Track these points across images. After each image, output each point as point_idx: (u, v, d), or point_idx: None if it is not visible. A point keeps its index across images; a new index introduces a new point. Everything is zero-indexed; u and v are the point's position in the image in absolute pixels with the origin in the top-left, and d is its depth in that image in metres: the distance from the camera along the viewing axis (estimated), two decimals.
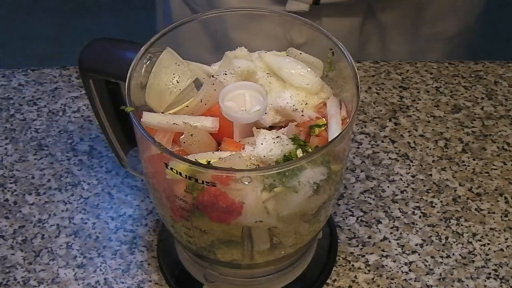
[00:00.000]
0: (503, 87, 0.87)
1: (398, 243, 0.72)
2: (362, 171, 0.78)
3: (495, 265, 0.71)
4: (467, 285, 0.69)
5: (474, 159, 0.79)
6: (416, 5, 0.94)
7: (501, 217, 0.74)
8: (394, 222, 0.74)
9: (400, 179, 0.78)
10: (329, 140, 0.57)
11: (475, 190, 0.77)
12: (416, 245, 0.72)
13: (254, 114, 0.56)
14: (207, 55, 0.64)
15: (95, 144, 0.80)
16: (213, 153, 0.55)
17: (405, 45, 0.97)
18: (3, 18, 2.21)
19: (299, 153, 0.55)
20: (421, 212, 0.75)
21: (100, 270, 0.70)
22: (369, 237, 0.73)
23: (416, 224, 0.74)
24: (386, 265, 0.70)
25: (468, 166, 0.79)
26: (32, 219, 0.74)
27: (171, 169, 0.53)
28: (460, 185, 0.77)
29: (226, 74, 0.59)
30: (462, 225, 0.74)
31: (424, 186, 0.77)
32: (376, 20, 0.93)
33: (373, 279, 0.69)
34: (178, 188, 0.55)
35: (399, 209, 0.75)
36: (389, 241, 0.72)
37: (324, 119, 0.59)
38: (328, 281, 0.69)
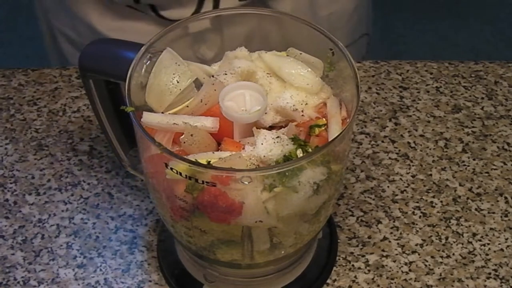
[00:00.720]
0: (503, 87, 0.87)
1: (398, 243, 0.72)
2: (362, 171, 0.78)
3: (495, 265, 0.71)
4: (467, 285, 0.69)
5: (474, 159, 0.79)
6: None
7: (501, 217, 0.74)
8: (394, 222, 0.74)
9: (400, 179, 0.78)
10: (329, 140, 0.57)
11: (475, 190, 0.77)
12: (416, 245, 0.72)
13: (254, 114, 0.56)
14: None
15: (95, 144, 0.80)
16: (213, 153, 0.55)
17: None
18: (3, 18, 2.21)
19: (299, 153, 0.55)
20: (421, 212, 0.75)
21: (100, 270, 0.70)
22: (369, 237, 0.73)
23: (416, 224, 0.74)
24: (386, 265, 0.70)
25: (468, 166, 0.79)
26: (32, 219, 0.74)
27: (171, 169, 0.53)
28: (460, 185, 0.77)
29: (226, 74, 0.59)
30: (462, 225, 0.74)
31: (424, 186, 0.77)
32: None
33: (373, 279, 0.69)
34: (178, 188, 0.55)
35: (399, 209, 0.75)
36: (389, 241, 0.72)
37: (324, 119, 0.59)
38: (328, 281, 0.69)
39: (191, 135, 0.55)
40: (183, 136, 0.55)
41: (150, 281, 0.69)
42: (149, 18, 0.84)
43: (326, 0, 0.95)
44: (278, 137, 0.55)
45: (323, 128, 0.58)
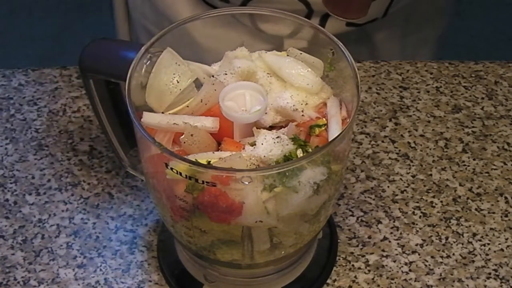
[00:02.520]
0: (503, 87, 0.87)
1: (398, 243, 0.72)
2: (362, 171, 0.78)
3: (495, 265, 0.71)
4: (467, 285, 0.69)
5: (474, 159, 0.79)
6: (404, 15, 0.94)
7: (501, 217, 0.74)
8: (394, 222, 0.74)
9: (400, 179, 0.78)
10: (329, 140, 0.57)
11: (475, 190, 0.77)
12: (416, 245, 0.72)
13: (254, 114, 0.56)
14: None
15: (95, 144, 0.80)
16: (213, 153, 0.55)
17: (394, 56, 0.97)
18: (3, 18, 2.21)
19: (299, 153, 0.55)
20: (421, 212, 0.75)
21: (100, 270, 0.70)
22: (369, 237, 0.73)
23: (416, 224, 0.74)
24: (386, 265, 0.70)
25: (468, 166, 0.79)
26: (32, 219, 0.74)
27: (171, 169, 0.53)
28: (460, 185, 0.77)
29: (226, 74, 0.59)
30: (462, 225, 0.74)
31: (424, 186, 0.77)
32: (369, 40, 0.94)
33: (373, 279, 0.69)
34: (178, 188, 0.55)
35: (399, 209, 0.75)
36: (389, 241, 0.72)
37: (324, 119, 0.59)
38: (328, 281, 0.69)
39: (191, 135, 0.55)
40: (183, 136, 0.55)
41: (150, 281, 0.69)
42: (245, 29, 0.83)
43: (416, 25, 0.97)
44: (278, 137, 0.55)
45: (323, 128, 0.58)
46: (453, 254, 0.71)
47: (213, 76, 0.59)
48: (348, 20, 0.84)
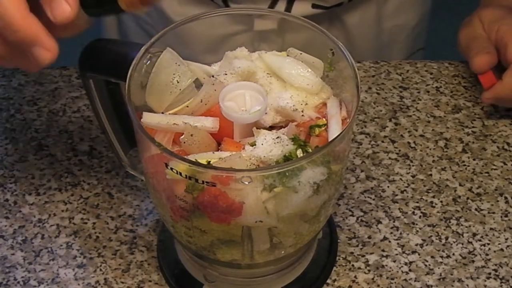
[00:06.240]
0: None
1: (398, 243, 0.72)
2: (362, 171, 0.78)
3: (495, 265, 0.71)
4: (467, 285, 0.69)
5: (474, 159, 0.79)
6: (377, 1, 0.93)
7: (501, 217, 0.74)
8: (394, 222, 0.74)
9: (400, 179, 0.78)
10: (329, 140, 0.57)
11: (475, 190, 0.77)
12: (416, 245, 0.72)
13: (254, 114, 0.56)
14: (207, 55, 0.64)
15: (95, 144, 0.80)
16: (213, 153, 0.55)
17: (370, 42, 0.97)
18: None
19: (299, 153, 0.55)
20: (421, 212, 0.75)
21: (100, 270, 0.70)
22: (369, 237, 0.73)
23: (416, 224, 0.74)
24: (386, 265, 0.70)
25: (468, 166, 0.79)
26: (32, 219, 0.74)
27: (171, 169, 0.53)
28: (460, 185, 0.77)
29: (226, 74, 0.59)
30: (462, 225, 0.74)
31: (424, 186, 0.77)
32: (341, 23, 0.93)
33: (373, 279, 0.69)
34: (178, 188, 0.55)
35: (399, 209, 0.75)
36: (389, 241, 0.72)
37: (324, 119, 0.59)
38: (328, 281, 0.69)
39: (191, 135, 0.55)
40: (183, 136, 0.56)
41: (150, 281, 0.69)
42: (215, 7, 0.83)
43: (392, 12, 0.96)
44: (278, 137, 0.55)
45: (323, 128, 0.58)
46: (453, 254, 0.71)
47: (213, 76, 0.59)
48: (313, 2, 0.83)
